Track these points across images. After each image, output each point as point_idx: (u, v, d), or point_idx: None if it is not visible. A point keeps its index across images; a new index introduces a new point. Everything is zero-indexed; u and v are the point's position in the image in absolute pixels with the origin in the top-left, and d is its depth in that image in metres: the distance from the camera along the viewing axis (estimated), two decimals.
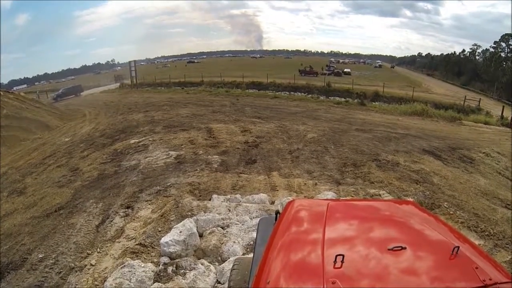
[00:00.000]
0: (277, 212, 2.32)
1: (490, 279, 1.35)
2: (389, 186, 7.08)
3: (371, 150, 9.65)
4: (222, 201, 5.94)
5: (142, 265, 3.78)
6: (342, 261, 1.43)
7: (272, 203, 6.06)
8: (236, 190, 6.89)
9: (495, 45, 42.27)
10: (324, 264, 1.46)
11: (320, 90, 29.16)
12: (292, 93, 28.86)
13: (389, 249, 1.52)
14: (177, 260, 4.01)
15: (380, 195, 6.61)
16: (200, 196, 6.56)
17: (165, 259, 4.10)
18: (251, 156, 9.13)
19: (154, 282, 3.66)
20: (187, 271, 3.70)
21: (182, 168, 8.12)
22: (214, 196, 6.32)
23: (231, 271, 2.62)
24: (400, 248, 1.52)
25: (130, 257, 4.23)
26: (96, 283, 3.99)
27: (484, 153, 10.14)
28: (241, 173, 7.90)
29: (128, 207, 6.23)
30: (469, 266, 1.43)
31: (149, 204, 6.27)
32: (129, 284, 3.48)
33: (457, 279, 1.40)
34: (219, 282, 3.70)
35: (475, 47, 47.25)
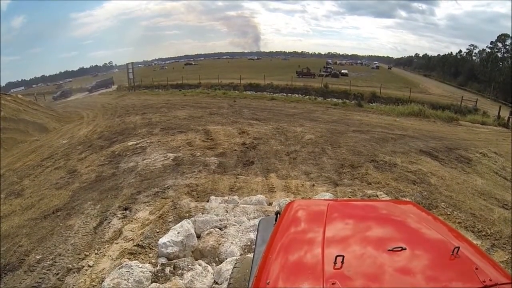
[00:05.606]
0: (277, 213, 2.32)
1: (490, 280, 1.35)
2: (386, 187, 7.09)
3: (368, 151, 9.67)
4: (220, 203, 5.94)
5: (140, 266, 3.76)
6: (342, 262, 1.43)
7: (270, 204, 6.07)
8: (233, 191, 6.89)
9: (491, 46, 42.46)
10: (324, 264, 1.46)
11: (318, 91, 29.29)
12: (289, 94, 28.97)
13: (389, 250, 1.52)
14: (174, 260, 4.01)
15: (377, 196, 6.62)
16: (198, 197, 6.56)
17: (162, 260, 4.10)
18: (249, 157, 9.13)
19: (151, 283, 3.65)
20: (185, 271, 3.71)
21: (180, 170, 8.12)
22: (212, 197, 6.34)
23: (232, 269, 2.61)
24: (400, 248, 1.52)
25: (128, 258, 4.23)
26: (93, 283, 3.98)
27: (481, 153, 10.18)
28: (238, 174, 7.90)
29: (126, 209, 6.22)
30: (469, 266, 1.43)
31: (147, 205, 6.25)
32: (126, 284, 3.46)
33: (457, 280, 1.40)
34: (216, 283, 3.70)
35: (472, 47, 47.48)
